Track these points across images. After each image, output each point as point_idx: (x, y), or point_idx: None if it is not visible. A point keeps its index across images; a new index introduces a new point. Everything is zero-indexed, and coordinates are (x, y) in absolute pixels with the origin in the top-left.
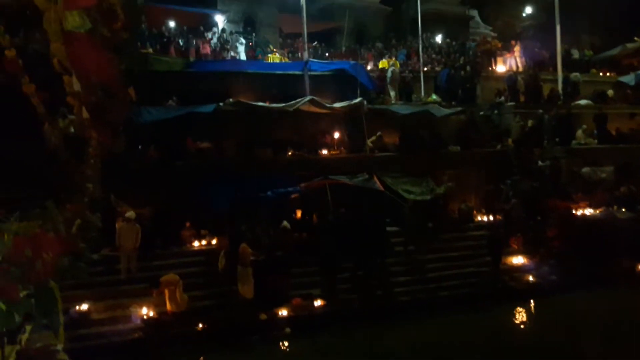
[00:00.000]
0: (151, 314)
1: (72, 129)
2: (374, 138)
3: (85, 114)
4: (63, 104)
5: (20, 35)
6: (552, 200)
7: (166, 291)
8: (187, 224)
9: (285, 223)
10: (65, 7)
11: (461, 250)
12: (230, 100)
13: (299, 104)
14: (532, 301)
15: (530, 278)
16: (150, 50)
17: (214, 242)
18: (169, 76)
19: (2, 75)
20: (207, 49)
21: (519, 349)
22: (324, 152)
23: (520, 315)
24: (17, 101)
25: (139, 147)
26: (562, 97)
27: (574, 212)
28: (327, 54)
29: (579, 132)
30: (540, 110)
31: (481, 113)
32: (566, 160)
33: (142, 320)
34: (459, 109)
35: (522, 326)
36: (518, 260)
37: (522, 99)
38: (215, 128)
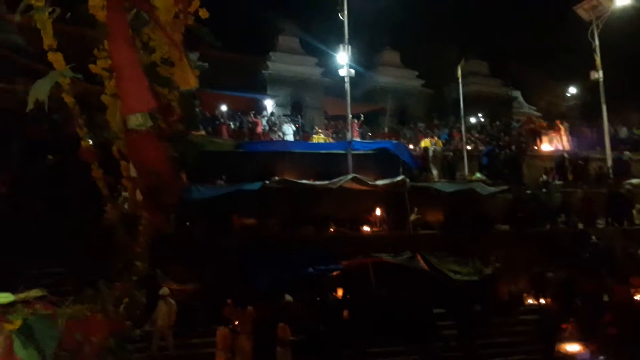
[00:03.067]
0: None
1: (126, 206)
2: (414, 216)
3: (138, 197)
4: (120, 184)
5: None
6: (608, 283)
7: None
8: (229, 301)
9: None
10: (126, 111)
11: (511, 335)
12: (276, 178)
13: (342, 182)
14: None
15: None
16: (203, 132)
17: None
18: (220, 156)
19: (76, 161)
20: (258, 130)
21: None
22: (366, 229)
23: None
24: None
25: (187, 223)
26: (612, 176)
27: (632, 296)
28: (369, 134)
29: (635, 212)
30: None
31: (528, 192)
32: (621, 242)
33: None
34: (505, 187)
35: None
36: (573, 347)
37: (570, 177)
38: (260, 205)
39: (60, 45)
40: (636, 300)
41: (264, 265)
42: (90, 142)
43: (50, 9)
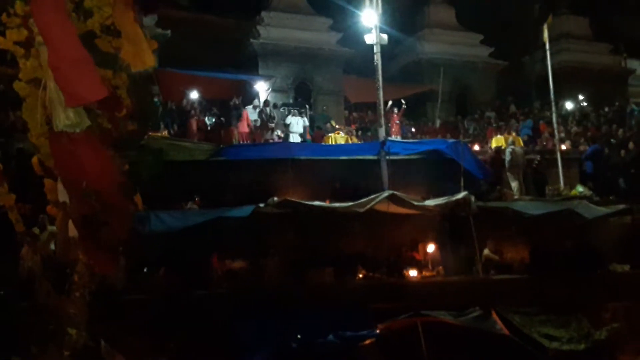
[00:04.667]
0: None
1: (52, 246)
2: (487, 252)
3: (72, 231)
4: (43, 211)
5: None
6: None
7: None
8: None
9: None
10: (67, 103)
11: None
12: (275, 199)
13: (373, 203)
14: None
15: None
16: (165, 132)
17: None
18: (190, 167)
19: None
20: (241, 129)
21: None
22: (412, 273)
23: None
24: None
25: (145, 269)
26: None
27: None
28: (413, 130)
29: None
30: None
31: None
32: None
33: None
34: (622, 206)
35: None
36: None
37: None
38: (252, 240)
39: None
40: None
41: (261, 329)
42: None
43: None
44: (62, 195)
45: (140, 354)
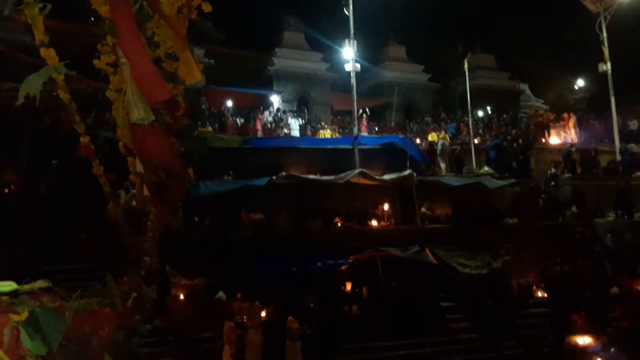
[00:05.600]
0: None
1: (133, 203)
2: (423, 210)
3: (146, 192)
4: (127, 179)
5: (91, 117)
6: (618, 276)
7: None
8: (239, 296)
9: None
10: (147, 100)
11: (521, 328)
12: (283, 173)
13: (349, 176)
14: None
15: None
16: (210, 128)
17: (263, 314)
18: (227, 152)
19: (77, 158)
20: (257, 127)
21: None
22: (374, 223)
23: None
24: (85, 179)
25: (195, 219)
26: (621, 169)
27: None
28: (376, 129)
29: None
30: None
31: (537, 185)
32: (631, 234)
33: None
34: (513, 180)
35: None
36: (584, 340)
37: (578, 170)
38: (268, 200)
39: (61, 41)
40: None
41: (273, 259)
42: (88, 138)
43: (40, 5)
44: (139, 168)
45: (192, 275)
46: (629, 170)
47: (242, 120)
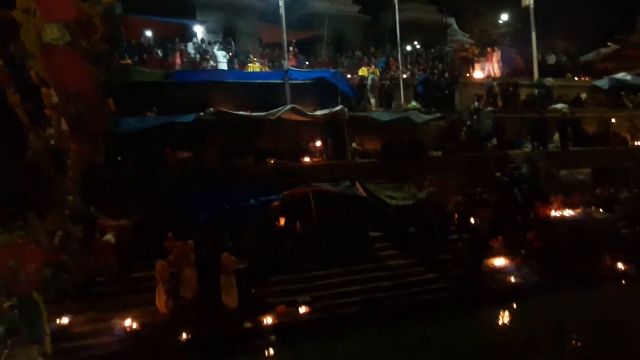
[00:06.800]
0: (135, 325)
1: (52, 142)
2: (353, 145)
3: (64, 126)
4: (42, 116)
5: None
6: (532, 202)
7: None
8: (169, 235)
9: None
10: (44, 19)
11: (444, 253)
12: (211, 109)
13: (280, 112)
14: (514, 302)
15: (512, 280)
16: (129, 61)
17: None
18: (149, 87)
19: None
20: (185, 59)
21: (500, 351)
22: (306, 159)
23: (502, 317)
24: None
25: (119, 158)
26: (538, 102)
27: (553, 213)
28: (307, 63)
29: (556, 136)
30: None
31: (460, 118)
32: (544, 163)
33: (126, 332)
34: (438, 115)
35: (504, 328)
36: (500, 262)
37: (499, 104)
38: (195, 138)
39: None
40: (555, 217)
41: (203, 198)
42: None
43: None
44: (55, 98)
45: (119, 215)
46: (545, 103)
47: (163, 52)
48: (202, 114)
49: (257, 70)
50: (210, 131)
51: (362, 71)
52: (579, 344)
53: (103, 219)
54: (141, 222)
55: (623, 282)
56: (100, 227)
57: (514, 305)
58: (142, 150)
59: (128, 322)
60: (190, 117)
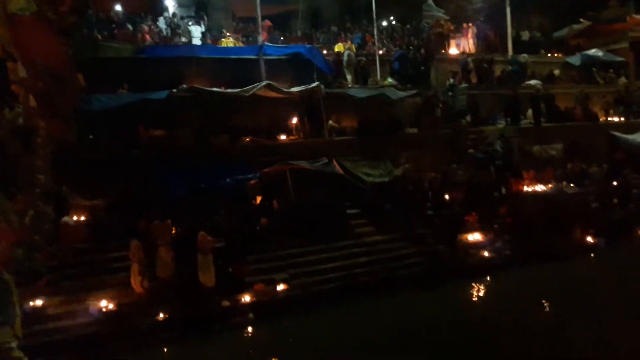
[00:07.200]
0: (110, 306)
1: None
2: (330, 122)
3: (32, 102)
4: (8, 92)
5: None
6: (505, 178)
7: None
8: (143, 214)
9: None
10: None
11: (419, 229)
12: (184, 86)
13: (255, 89)
14: (487, 276)
15: (486, 254)
16: (99, 36)
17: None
18: (119, 63)
19: None
20: (157, 34)
21: (473, 324)
22: (283, 137)
23: (476, 290)
24: None
25: (90, 136)
26: (512, 78)
27: (525, 189)
28: (282, 38)
29: (529, 112)
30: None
31: (436, 95)
32: (518, 140)
33: (101, 313)
34: (414, 91)
35: (477, 300)
36: (474, 237)
37: (474, 80)
38: (169, 115)
39: None
40: (527, 192)
41: (178, 177)
42: None
43: None
44: (22, 72)
45: (92, 195)
46: (518, 80)
47: (133, 27)
48: (175, 90)
49: (231, 45)
50: (184, 108)
51: (338, 47)
52: (548, 313)
53: (76, 199)
54: (115, 202)
55: (592, 255)
56: (72, 207)
57: (487, 279)
58: (114, 129)
59: (104, 303)
60: (163, 94)
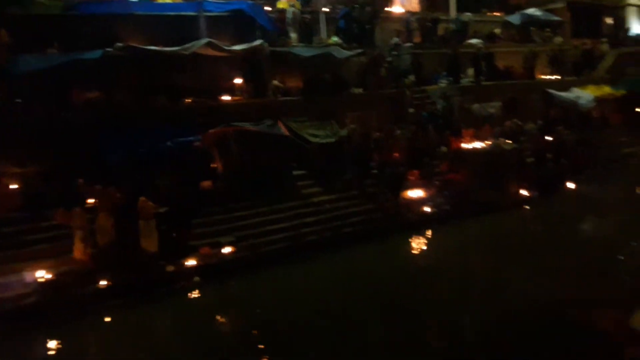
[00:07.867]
0: (49, 275)
1: None
2: (275, 82)
3: None
4: None
5: None
6: (445, 136)
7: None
8: (80, 180)
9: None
10: None
11: (364, 188)
12: (119, 45)
13: (195, 47)
14: (428, 230)
15: (427, 209)
16: None
17: None
18: (48, 20)
19: None
20: None
21: (411, 273)
22: (226, 98)
23: (416, 243)
24: None
25: (19, 100)
26: (452, 38)
27: (465, 145)
28: None
29: (470, 71)
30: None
31: (381, 54)
32: (459, 98)
33: (40, 283)
34: (360, 50)
35: (416, 252)
36: (416, 193)
37: (418, 39)
38: (104, 76)
39: None
40: (466, 148)
41: (116, 140)
42: None
43: None
44: None
45: (23, 162)
46: (460, 39)
47: None
48: (109, 50)
49: (169, 1)
50: (120, 69)
51: (282, 4)
52: (484, 262)
53: (6, 167)
54: (50, 168)
55: (527, 207)
56: (3, 175)
57: (428, 232)
58: (45, 91)
59: (41, 273)
60: (97, 54)
